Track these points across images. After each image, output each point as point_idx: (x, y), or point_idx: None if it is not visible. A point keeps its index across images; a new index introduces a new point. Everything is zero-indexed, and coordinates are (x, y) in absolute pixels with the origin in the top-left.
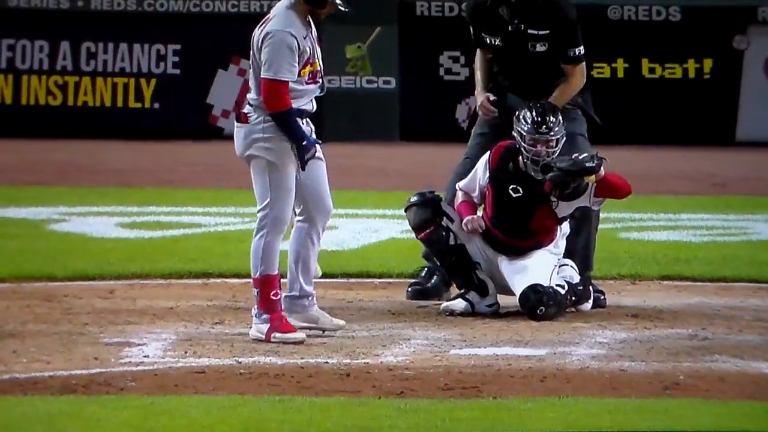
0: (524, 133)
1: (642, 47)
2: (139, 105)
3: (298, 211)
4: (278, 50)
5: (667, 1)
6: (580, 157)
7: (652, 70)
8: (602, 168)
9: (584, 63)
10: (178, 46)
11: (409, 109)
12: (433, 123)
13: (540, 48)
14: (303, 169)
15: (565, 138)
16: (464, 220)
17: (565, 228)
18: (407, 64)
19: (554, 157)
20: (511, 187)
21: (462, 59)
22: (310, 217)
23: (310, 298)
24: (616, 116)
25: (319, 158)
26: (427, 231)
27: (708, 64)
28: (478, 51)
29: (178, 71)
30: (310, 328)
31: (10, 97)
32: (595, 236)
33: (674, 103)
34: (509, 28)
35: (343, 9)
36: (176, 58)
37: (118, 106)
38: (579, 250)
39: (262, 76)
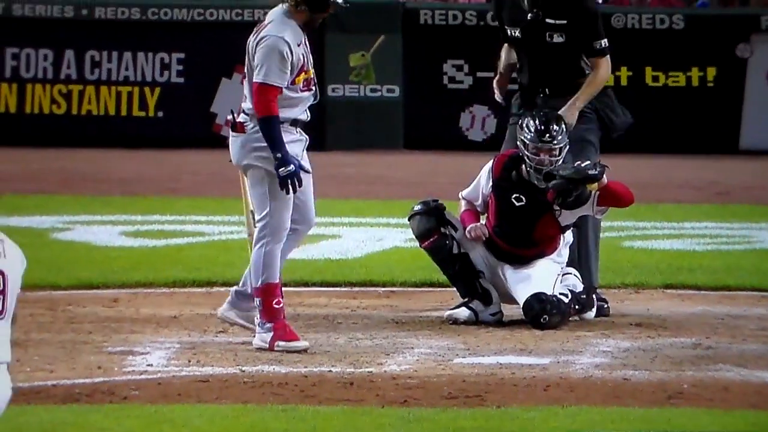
0: (527, 142)
1: (645, 55)
2: (143, 113)
3: None
4: (270, 55)
5: (670, 9)
6: (583, 165)
7: (655, 79)
8: (605, 176)
9: (609, 56)
10: (182, 55)
11: (412, 117)
12: (436, 131)
13: (557, 39)
14: (281, 188)
15: (568, 147)
16: (468, 228)
17: (568, 237)
18: (411, 72)
19: (557, 165)
20: (514, 195)
21: (466, 67)
22: (293, 228)
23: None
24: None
25: (307, 171)
26: (431, 240)
27: (711, 72)
28: (505, 45)
29: (182, 80)
30: (244, 326)
31: (15, 105)
32: (597, 250)
33: (678, 111)
34: (528, 17)
35: (342, 5)
36: (180, 67)
37: (122, 114)
38: (580, 264)
39: (254, 80)
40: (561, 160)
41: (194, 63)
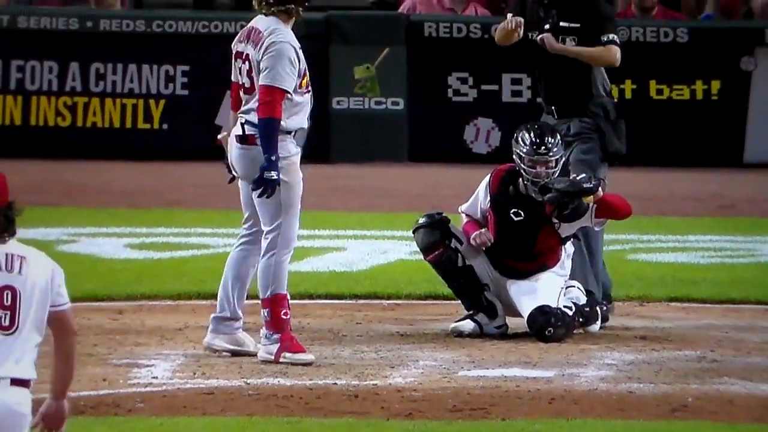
0: (523, 155)
1: (650, 69)
2: (148, 126)
3: (247, 231)
4: (281, 60)
5: (674, 22)
6: (578, 178)
7: (659, 92)
8: (600, 189)
9: (620, 49)
10: (186, 67)
11: (417, 130)
12: (441, 144)
13: (569, 44)
14: (256, 187)
15: (564, 158)
16: (472, 236)
17: (569, 248)
18: (415, 85)
19: (553, 177)
20: (512, 210)
21: (470, 80)
22: (258, 240)
23: (239, 321)
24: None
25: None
26: (436, 253)
27: (716, 85)
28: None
29: (186, 92)
30: (234, 352)
31: (20, 117)
32: (594, 260)
33: (682, 124)
34: (546, 27)
35: None
36: (185, 79)
37: (127, 126)
38: (578, 276)
39: (261, 82)
40: (558, 172)
41: (199, 75)
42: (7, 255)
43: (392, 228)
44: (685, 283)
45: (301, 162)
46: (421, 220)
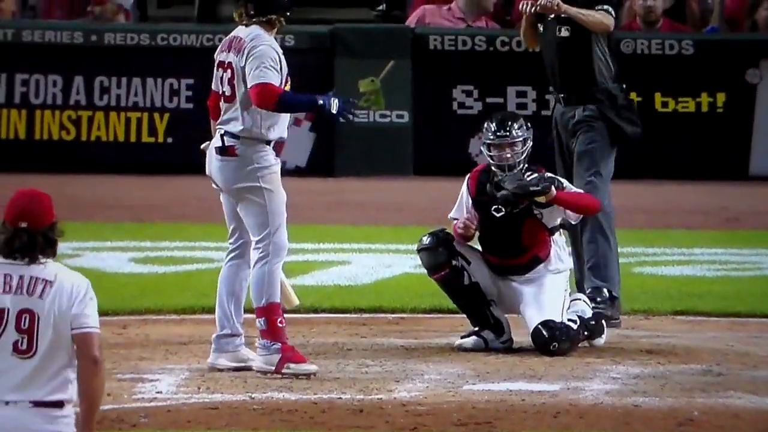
0: (488, 142)
1: (655, 81)
2: (152, 139)
3: (234, 245)
4: (264, 60)
5: (680, 35)
6: (529, 179)
7: (665, 104)
8: (553, 189)
9: (611, 15)
10: (191, 81)
11: (422, 143)
12: (446, 157)
13: (564, 33)
14: (339, 120)
15: (530, 141)
16: (456, 226)
17: (560, 241)
18: (420, 98)
19: (506, 175)
20: (493, 208)
21: (475, 93)
22: (246, 253)
23: (240, 337)
24: (629, 150)
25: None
26: (442, 273)
27: (721, 98)
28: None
29: (191, 105)
30: (239, 369)
31: (24, 131)
32: (611, 251)
33: (687, 137)
34: (548, 17)
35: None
36: (189, 93)
37: (132, 140)
38: (594, 261)
39: (249, 84)
40: (525, 152)
41: (203, 89)
42: (31, 278)
43: (397, 242)
44: (690, 297)
45: (305, 175)
46: (426, 241)
